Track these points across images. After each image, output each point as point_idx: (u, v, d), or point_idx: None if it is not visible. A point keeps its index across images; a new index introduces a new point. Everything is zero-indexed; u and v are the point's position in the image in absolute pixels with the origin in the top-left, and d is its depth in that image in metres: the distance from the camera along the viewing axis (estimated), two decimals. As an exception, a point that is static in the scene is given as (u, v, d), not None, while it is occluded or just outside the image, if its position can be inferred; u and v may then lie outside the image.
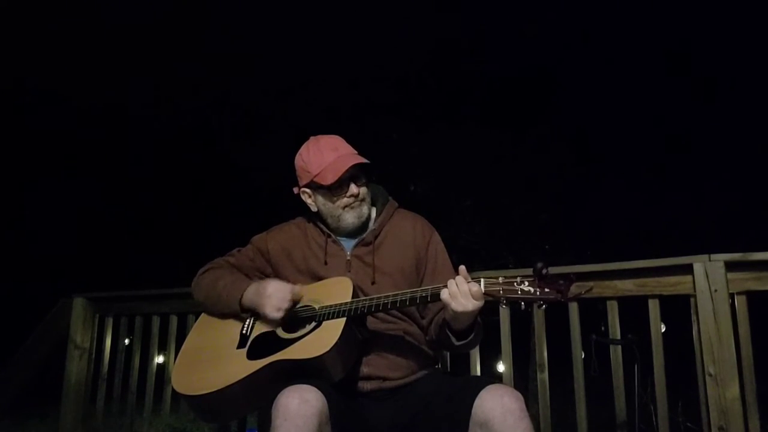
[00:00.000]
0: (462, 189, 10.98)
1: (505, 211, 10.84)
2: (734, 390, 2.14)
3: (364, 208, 1.94)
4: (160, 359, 3.37)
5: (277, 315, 1.79)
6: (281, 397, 1.53)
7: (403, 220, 2.00)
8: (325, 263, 1.92)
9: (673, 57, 10.63)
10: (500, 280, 1.58)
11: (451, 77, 11.10)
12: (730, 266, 2.22)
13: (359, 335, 1.76)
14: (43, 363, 3.73)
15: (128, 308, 3.48)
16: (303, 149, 1.96)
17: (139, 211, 15.11)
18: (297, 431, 1.47)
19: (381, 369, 1.79)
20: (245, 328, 1.87)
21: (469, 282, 1.60)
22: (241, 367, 1.75)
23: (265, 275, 2.03)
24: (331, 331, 1.70)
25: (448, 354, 2.51)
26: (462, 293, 1.59)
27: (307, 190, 1.96)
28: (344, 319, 1.72)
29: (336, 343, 1.65)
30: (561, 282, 1.53)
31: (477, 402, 1.57)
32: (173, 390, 1.91)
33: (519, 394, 1.59)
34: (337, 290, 1.80)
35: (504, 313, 2.56)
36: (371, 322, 1.82)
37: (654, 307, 2.36)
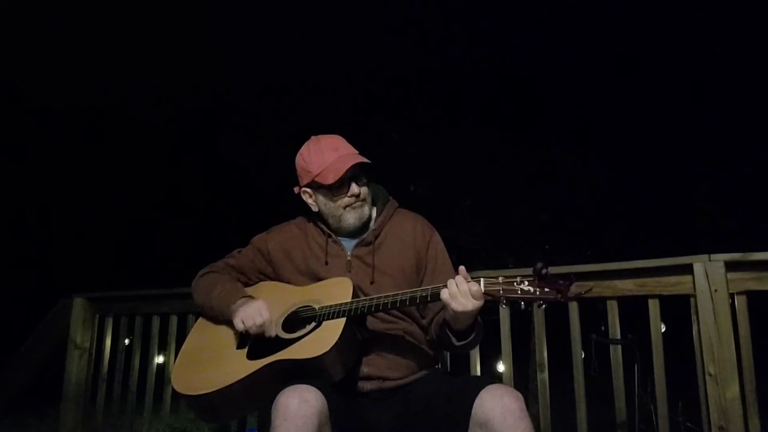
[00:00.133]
0: (462, 189, 10.98)
1: (505, 211, 10.83)
2: (734, 390, 2.14)
3: (365, 208, 1.94)
4: (160, 359, 3.37)
5: (239, 326, 1.82)
6: (281, 397, 1.53)
7: (404, 220, 2.00)
8: (326, 263, 1.92)
9: (673, 57, 10.63)
10: (500, 279, 1.58)
11: (451, 77, 11.10)
12: (730, 266, 2.22)
13: (359, 335, 1.76)
14: (43, 363, 3.74)
15: (128, 308, 3.48)
16: (304, 149, 1.96)
17: (139, 211, 15.11)
18: (297, 431, 1.47)
19: (381, 369, 1.79)
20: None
21: (469, 282, 1.60)
22: (241, 367, 1.75)
23: (265, 275, 2.03)
24: (331, 331, 1.70)
25: (448, 354, 2.51)
26: (462, 293, 1.59)
27: (308, 189, 1.96)
28: (344, 319, 1.72)
29: (336, 343, 1.65)
30: (561, 282, 1.54)
31: (477, 402, 1.57)
32: (173, 390, 1.91)
33: (519, 394, 1.59)
34: (337, 290, 1.80)
35: (504, 313, 2.56)
36: (371, 322, 1.82)
37: (654, 307, 2.36)
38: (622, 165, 10.48)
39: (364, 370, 1.78)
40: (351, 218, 1.91)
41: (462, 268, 1.65)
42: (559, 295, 1.53)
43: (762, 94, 9.95)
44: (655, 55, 10.69)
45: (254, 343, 1.82)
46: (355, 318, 1.74)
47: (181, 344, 2.03)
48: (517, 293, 1.55)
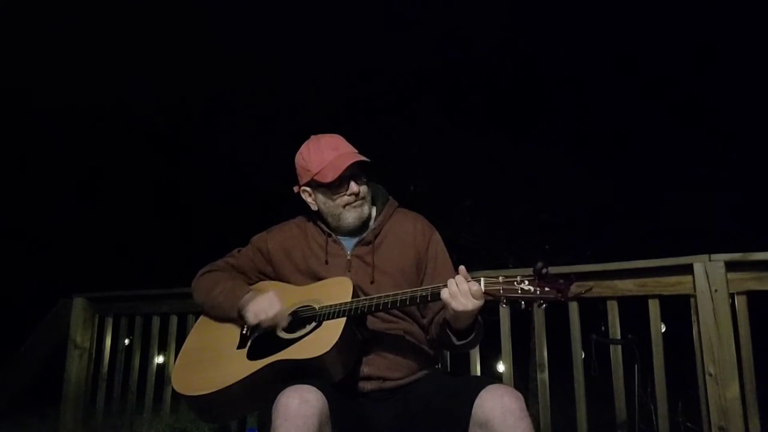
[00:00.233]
0: (462, 189, 10.98)
1: (505, 211, 10.84)
2: (734, 390, 2.14)
3: (365, 207, 1.94)
4: (160, 359, 3.37)
5: (253, 320, 1.81)
6: (281, 397, 1.53)
7: (404, 220, 2.00)
8: (326, 262, 1.92)
9: (673, 57, 10.63)
10: (500, 279, 1.58)
11: (451, 77, 11.10)
12: (730, 266, 2.23)
13: (359, 335, 1.76)
14: (43, 363, 3.74)
15: (128, 308, 3.49)
16: (303, 148, 1.96)
17: (139, 211, 15.11)
18: (297, 431, 1.47)
19: (381, 369, 1.79)
20: (245, 329, 1.87)
21: (469, 281, 1.60)
22: (241, 367, 1.75)
23: (265, 275, 2.03)
24: (331, 331, 1.69)
25: (448, 354, 2.52)
26: (462, 292, 1.59)
27: (308, 188, 1.96)
28: (344, 319, 1.72)
29: (336, 343, 1.65)
30: (561, 281, 1.54)
31: (477, 402, 1.57)
32: (173, 390, 1.91)
33: (519, 394, 1.59)
34: (337, 290, 1.80)
35: (504, 312, 2.56)
36: (371, 322, 1.82)
37: (654, 307, 2.36)
38: (622, 165, 10.49)
39: (365, 370, 1.78)
40: (350, 217, 1.91)
41: (462, 267, 1.65)
42: (560, 295, 1.53)
43: (762, 94, 9.95)
44: (655, 55, 10.69)
45: (254, 343, 1.82)
46: (356, 318, 1.74)
47: (181, 344, 2.02)
48: (518, 293, 1.55)
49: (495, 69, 10.60)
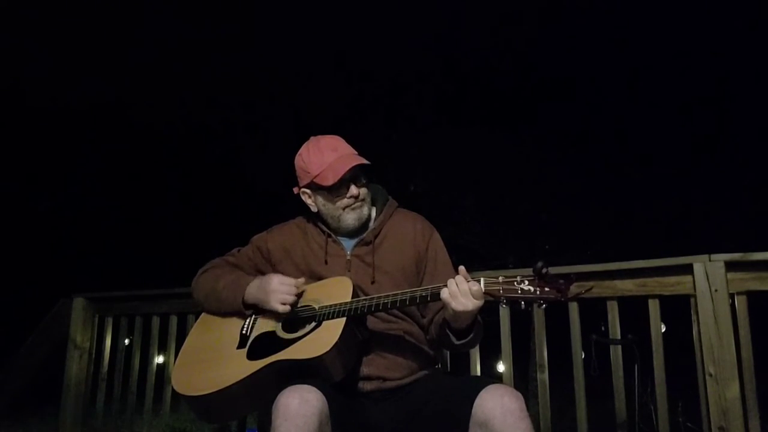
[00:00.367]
0: (462, 188, 10.99)
1: (505, 211, 10.85)
2: (734, 390, 2.14)
3: (365, 209, 1.94)
4: (160, 359, 3.37)
5: (282, 309, 1.79)
6: (281, 397, 1.53)
7: (403, 220, 2.00)
8: (326, 262, 1.92)
9: (674, 57, 10.63)
10: (500, 279, 1.58)
11: (451, 77, 11.11)
12: (730, 266, 2.22)
13: (359, 335, 1.75)
14: (43, 363, 3.74)
15: (128, 308, 3.49)
16: (303, 149, 1.96)
17: (139, 211, 15.11)
18: (297, 431, 1.47)
19: (381, 369, 1.78)
20: (245, 328, 1.87)
21: (469, 281, 1.60)
22: (241, 367, 1.75)
23: (264, 275, 2.03)
24: (331, 331, 1.69)
25: (448, 354, 2.51)
26: (462, 293, 1.59)
27: (307, 190, 1.96)
28: (344, 319, 1.71)
29: (336, 343, 1.65)
30: (561, 282, 1.53)
31: (477, 402, 1.57)
32: (173, 390, 1.91)
33: (519, 394, 1.59)
34: (337, 290, 1.80)
35: (504, 313, 2.56)
36: (371, 322, 1.82)
37: (654, 307, 2.36)
38: (622, 165, 10.49)
39: (365, 370, 1.78)
40: (350, 219, 1.91)
41: (462, 268, 1.65)
42: (560, 295, 1.53)
43: (762, 94, 9.95)
44: (654, 56, 10.69)
45: (254, 343, 1.82)
46: (355, 318, 1.74)
47: (181, 344, 2.02)
48: (518, 293, 1.55)
49: (495, 69, 10.60)
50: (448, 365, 2.56)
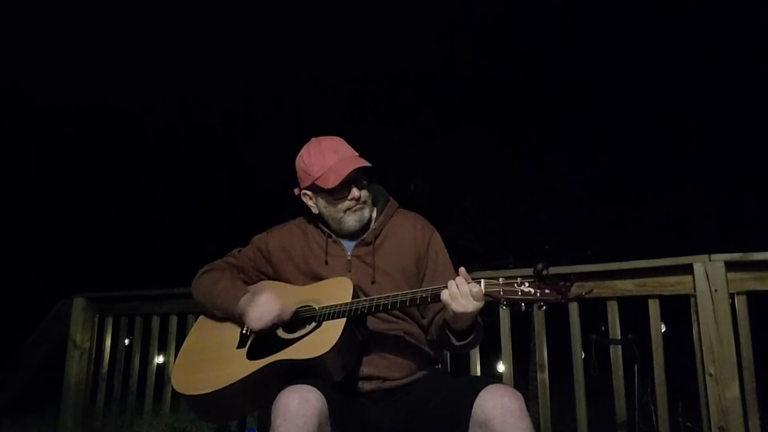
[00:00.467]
0: (462, 189, 10.98)
1: (505, 211, 10.84)
2: (734, 390, 2.14)
3: (365, 211, 1.94)
4: (160, 359, 3.37)
5: (256, 325, 1.80)
6: (281, 397, 1.53)
7: (404, 220, 2.00)
8: (326, 263, 1.92)
9: (674, 58, 10.63)
10: (500, 280, 1.58)
11: (451, 78, 11.11)
12: (730, 266, 2.22)
13: (359, 336, 1.76)
14: (43, 363, 3.74)
15: (128, 308, 3.49)
16: (304, 151, 1.96)
17: (139, 211, 15.11)
18: (297, 431, 1.47)
19: (381, 369, 1.79)
20: (245, 328, 1.87)
21: (469, 283, 1.60)
22: (241, 367, 1.75)
23: (265, 275, 2.03)
24: (331, 332, 1.69)
25: (448, 354, 2.51)
26: (462, 294, 1.59)
27: (309, 192, 1.96)
28: (344, 319, 1.71)
29: (336, 343, 1.65)
30: (561, 283, 1.53)
31: (477, 402, 1.57)
32: (173, 390, 1.91)
33: (519, 394, 1.59)
34: (338, 290, 1.80)
35: (504, 313, 2.56)
36: (371, 322, 1.82)
37: (654, 307, 2.36)
38: (622, 165, 10.49)
39: (365, 370, 1.78)
40: (351, 221, 1.91)
41: (462, 269, 1.65)
42: (560, 297, 1.53)
43: (762, 94, 9.95)
44: (654, 56, 10.69)
45: (254, 342, 1.82)
46: (356, 318, 1.74)
47: (181, 344, 2.02)
48: (518, 294, 1.55)
49: (495, 70, 10.60)
50: (448, 365, 2.56)
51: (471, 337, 1.75)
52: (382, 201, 2.02)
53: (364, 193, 1.92)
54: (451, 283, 1.61)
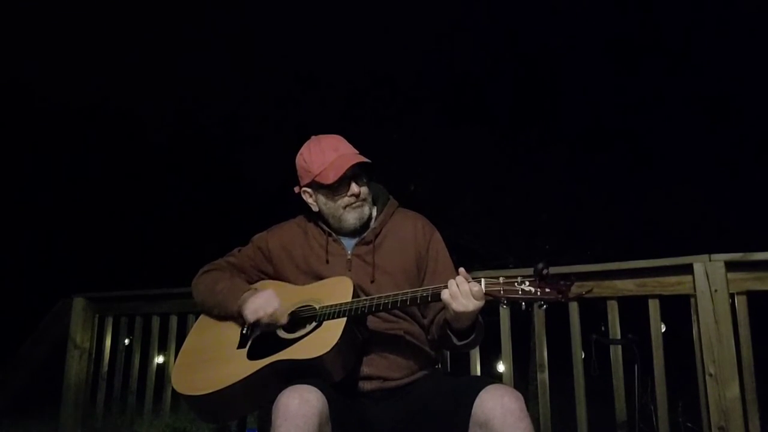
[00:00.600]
0: (462, 189, 10.98)
1: (505, 211, 10.84)
2: (734, 390, 2.14)
3: (366, 208, 1.94)
4: (160, 359, 3.37)
5: (251, 317, 1.80)
6: (281, 397, 1.53)
7: (404, 219, 2.00)
8: (326, 262, 1.92)
9: (674, 57, 10.63)
10: (501, 280, 1.58)
11: (451, 78, 11.11)
12: (730, 266, 2.23)
13: (360, 335, 1.75)
14: (43, 363, 3.74)
15: (128, 308, 3.49)
16: (304, 149, 1.96)
17: (139, 210, 15.11)
18: (297, 431, 1.47)
19: (381, 369, 1.79)
20: (245, 328, 1.87)
21: (470, 282, 1.60)
22: (241, 367, 1.75)
23: (265, 274, 2.03)
24: (332, 331, 1.69)
25: (448, 354, 2.52)
26: (463, 293, 1.59)
27: (308, 189, 1.96)
28: (345, 319, 1.71)
29: (336, 343, 1.65)
30: (562, 282, 1.54)
31: (477, 402, 1.57)
32: (173, 390, 1.91)
33: (519, 394, 1.59)
34: (338, 290, 1.80)
35: (504, 312, 2.56)
36: (372, 322, 1.82)
37: (654, 307, 2.37)
38: (621, 165, 10.49)
39: (365, 370, 1.78)
40: (351, 218, 1.91)
41: (462, 269, 1.65)
42: (560, 296, 1.53)
43: (762, 95, 9.96)
44: (654, 56, 10.69)
45: (254, 343, 1.82)
46: (356, 318, 1.74)
47: (181, 344, 2.02)
48: (518, 293, 1.55)
49: (496, 70, 10.60)
50: (448, 365, 2.56)
51: (472, 336, 1.75)
52: (383, 200, 2.02)
53: (364, 190, 1.92)
54: (452, 283, 1.61)
